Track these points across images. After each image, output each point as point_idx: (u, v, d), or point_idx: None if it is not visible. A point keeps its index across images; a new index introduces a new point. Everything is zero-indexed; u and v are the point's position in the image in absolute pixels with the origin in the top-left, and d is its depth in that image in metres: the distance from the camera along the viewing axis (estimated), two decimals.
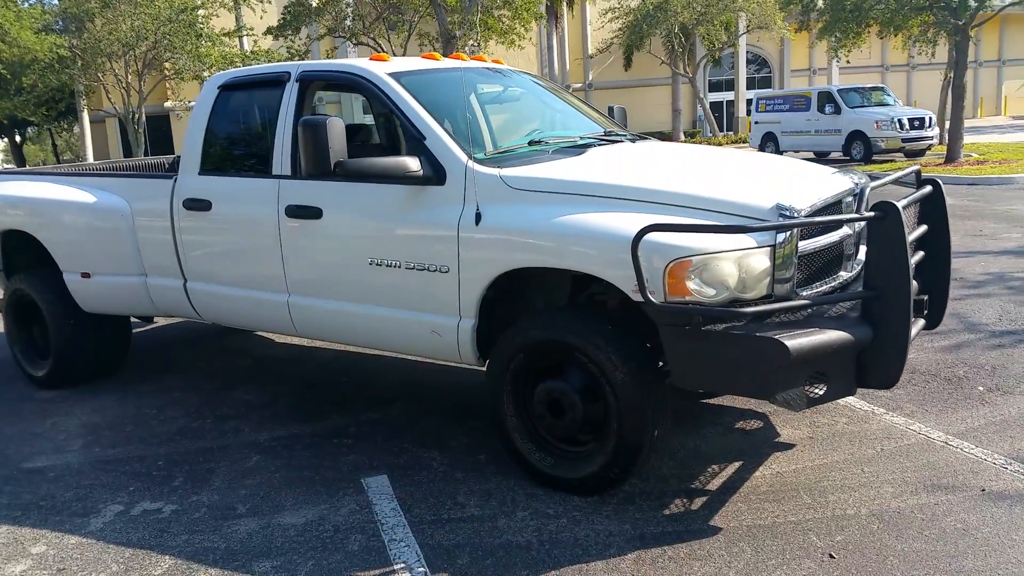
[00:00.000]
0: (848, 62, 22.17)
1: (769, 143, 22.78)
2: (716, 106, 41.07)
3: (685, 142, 34.69)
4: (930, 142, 20.06)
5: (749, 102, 29.88)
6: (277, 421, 4.50)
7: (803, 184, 3.42)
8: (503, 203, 3.43)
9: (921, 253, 3.72)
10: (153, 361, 5.91)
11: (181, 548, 3.17)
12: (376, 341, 4.04)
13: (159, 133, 35.84)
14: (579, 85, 41.50)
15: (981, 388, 4.42)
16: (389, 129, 5.07)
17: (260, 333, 6.48)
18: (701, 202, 3.15)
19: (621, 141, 4.21)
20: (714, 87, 41.99)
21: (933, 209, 3.75)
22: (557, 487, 3.44)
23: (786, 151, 22.31)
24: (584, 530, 3.13)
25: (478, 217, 3.44)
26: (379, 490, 3.57)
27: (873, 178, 3.72)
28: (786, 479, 3.47)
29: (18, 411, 4.93)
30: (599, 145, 4.00)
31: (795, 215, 3.07)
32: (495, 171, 3.50)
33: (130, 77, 22.01)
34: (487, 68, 4.58)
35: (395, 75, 3.94)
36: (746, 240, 2.99)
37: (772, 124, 22.77)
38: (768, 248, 3.01)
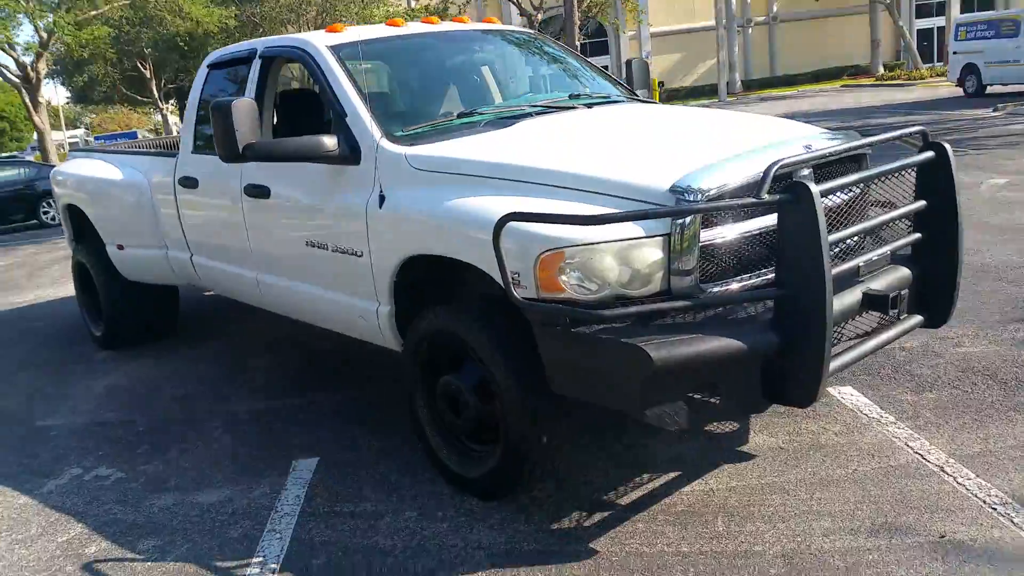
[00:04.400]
0: None
1: (970, 76, 19.93)
2: (924, 34, 36.56)
3: (882, 76, 31.30)
4: None
5: None
6: (265, 393, 4.61)
7: (733, 154, 2.85)
8: (405, 185, 3.20)
9: (917, 235, 3.05)
10: (210, 327, 6.25)
11: (97, 517, 3.35)
12: (324, 322, 3.98)
13: None
14: (762, 18, 38.62)
15: None
16: None
17: None
18: (595, 184, 2.75)
19: (575, 108, 3.74)
20: (922, 11, 37.28)
21: (938, 181, 3.03)
22: (460, 486, 3.23)
23: (989, 84, 19.45)
24: (457, 539, 2.91)
25: (381, 200, 3.25)
26: (300, 474, 3.54)
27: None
28: (714, 499, 3.01)
29: (72, 371, 5.43)
30: (539, 115, 3.58)
31: (696, 197, 2.59)
32: (401, 150, 3.26)
33: None
34: (461, 31, 4.26)
35: (335, 48, 3.77)
36: (632, 229, 2.57)
37: (973, 54, 19.86)
38: (661, 237, 2.57)
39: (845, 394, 3.81)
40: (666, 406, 2.53)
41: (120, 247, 5.25)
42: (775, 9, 38.13)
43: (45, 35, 20.75)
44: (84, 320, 6.01)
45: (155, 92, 34.81)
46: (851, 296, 2.76)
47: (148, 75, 33.17)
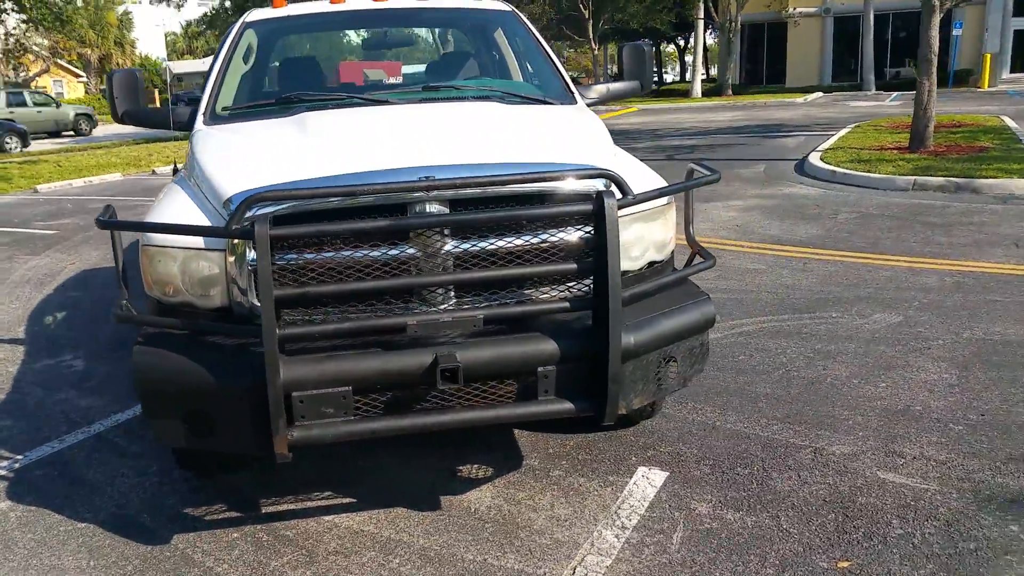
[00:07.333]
0: None
1: None
2: None
3: None
4: None
5: None
6: None
7: (348, 172, 2.51)
8: (186, 160, 3.44)
9: (565, 304, 2.41)
10: None
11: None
12: None
13: (772, 43, 36.14)
14: None
15: (846, 564, 2.52)
16: None
17: None
18: (207, 187, 2.77)
19: (387, 103, 3.40)
20: None
21: (596, 238, 2.34)
22: None
23: None
24: (122, 493, 3.19)
25: (175, 171, 3.53)
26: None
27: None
28: (324, 536, 2.81)
29: None
30: (337, 107, 3.34)
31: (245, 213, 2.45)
32: (199, 128, 3.47)
33: None
34: (396, 11, 4.13)
35: (255, 23, 4.02)
36: (195, 238, 2.55)
37: None
38: (217, 252, 2.51)
39: (646, 478, 3.11)
40: (164, 422, 2.48)
41: None
42: None
43: None
44: None
45: (590, 33, 36.46)
46: (409, 359, 2.33)
47: (586, 15, 35.03)
